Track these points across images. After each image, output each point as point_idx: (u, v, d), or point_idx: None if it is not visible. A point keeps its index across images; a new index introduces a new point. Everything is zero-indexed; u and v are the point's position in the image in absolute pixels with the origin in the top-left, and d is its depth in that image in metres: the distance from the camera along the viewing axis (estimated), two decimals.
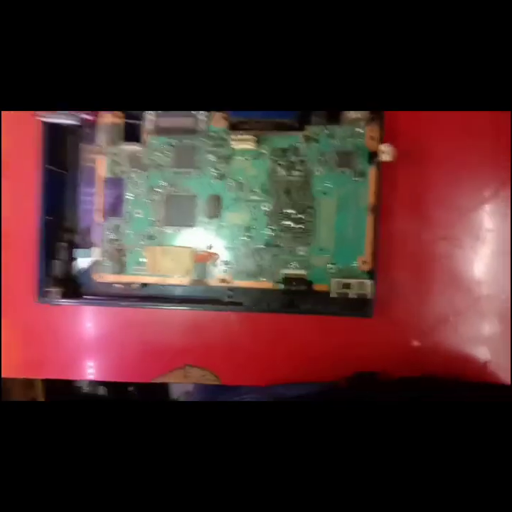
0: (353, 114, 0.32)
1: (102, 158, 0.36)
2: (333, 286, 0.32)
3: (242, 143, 0.33)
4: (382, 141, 0.33)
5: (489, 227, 0.37)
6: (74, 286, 0.38)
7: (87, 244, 0.38)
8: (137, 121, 0.36)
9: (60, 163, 0.38)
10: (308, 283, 0.33)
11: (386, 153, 0.30)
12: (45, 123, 0.36)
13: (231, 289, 0.36)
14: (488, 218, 0.37)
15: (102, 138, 0.36)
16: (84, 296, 0.38)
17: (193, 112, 0.35)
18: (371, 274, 0.33)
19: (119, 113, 0.36)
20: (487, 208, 0.37)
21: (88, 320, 0.40)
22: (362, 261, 0.33)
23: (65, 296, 0.36)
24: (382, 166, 0.33)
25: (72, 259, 0.38)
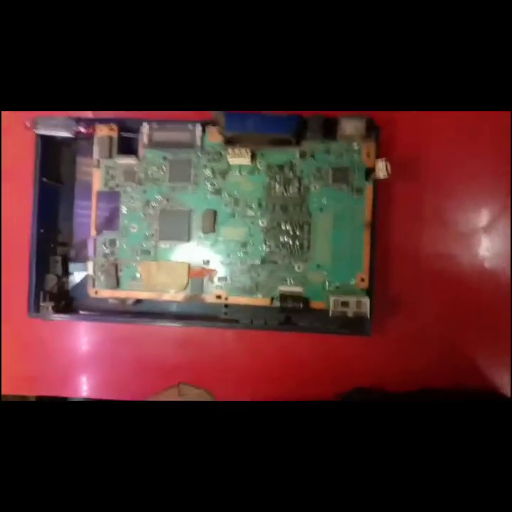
0: (348, 130, 0.32)
1: (98, 172, 0.36)
2: (331, 305, 0.31)
3: (238, 158, 0.33)
4: (378, 157, 0.33)
5: (488, 244, 0.37)
6: (68, 301, 0.38)
7: (82, 259, 0.37)
8: (133, 135, 0.36)
9: (56, 176, 0.38)
10: (306, 300, 0.33)
11: (383, 169, 0.30)
12: (39, 136, 0.36)
13: (227, 305, 0.35)
14: (486, 234, 0.37)
15: (97, 151, 0.35)
16: (79, 312, 0.37)
17: (189, 125, 0.34)
18: (369, 292, 0.33)
19: (114, 126, 0.35)
20: (485, 223, 0.37)
21: (82, 335, 0.39)
22: (360, 278, 0.33)
23: (58, 311, 0.36)
24: (378, 182, 0.33)
25: (66, 273, 0.38)
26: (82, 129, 0.36)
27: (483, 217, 0.37)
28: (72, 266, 0.38)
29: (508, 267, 0.36)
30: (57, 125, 0.36)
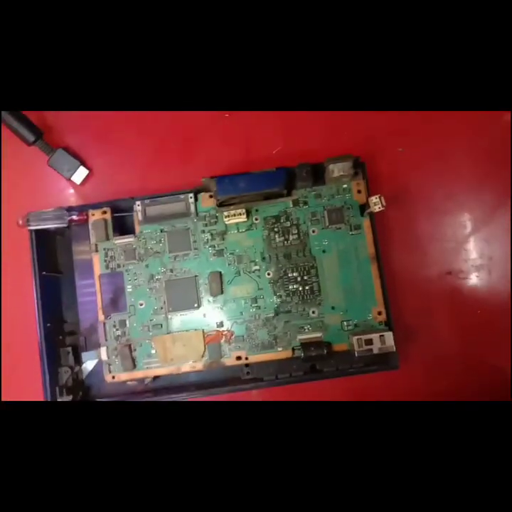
0: (336, 172, 0.33)
1: (97, 256, 0.36)
2: (356, 345, 0.31)
3: (234, 218, 0.34)
4: (369, 192, 0.34)
5: (489, 253, 0.37)
6: (84, 391, 0.36)
7: (92, 345, 0.36)
8: (126, 214, 0.36)
9: (54, 266, 0.38)
10: (328, 344, 0.32)
11: (378, 204, 0.31)
12: (33, 231, 0.36)
13: (248, 365, 0.34)
14: (485, 244, 0.37)
15: (93, 235, 0.36)
16: (96, 399, 0.36)
17: (180, 195, 0.35)
18: (388, 324, 0.33)
19: (107, 209, 0.36)
20: (483, 233, 0.38)
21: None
22: (376, 312, 0.33)
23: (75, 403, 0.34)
24: (374, 215, 0.34)
25: (79, 362, 0.36)
26: (75, 217, 0.36)
27: (480, 226, 0.38)
28: (84, 355, 0.36)
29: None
30: (49, 218, 0.36)
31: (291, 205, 0.35)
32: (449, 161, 0.38)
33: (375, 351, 0.30)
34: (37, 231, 0.36)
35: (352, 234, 0.34)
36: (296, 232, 0.34)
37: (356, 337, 0.31)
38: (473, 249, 0.37)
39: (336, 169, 0.32)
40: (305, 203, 0.35)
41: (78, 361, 0.36)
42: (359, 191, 0.34)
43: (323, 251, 0.34)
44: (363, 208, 0.34)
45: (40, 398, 0.34)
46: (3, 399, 0.38)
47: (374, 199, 0.31)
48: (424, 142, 0.38)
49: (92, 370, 0.37)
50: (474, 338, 0.36)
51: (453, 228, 0.38)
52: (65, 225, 0.36)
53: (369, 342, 0.30)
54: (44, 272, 0.36)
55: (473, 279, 0.37)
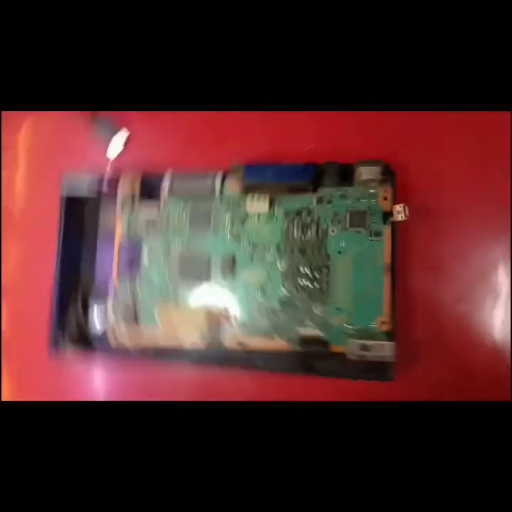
0: (364, 175, 0.33)
1: (120, 222, 0.37)
2: (352, 348, 0.31)
3: (257, 205, 0.34)
4: (395, 201, 0.33)
5: (509, 285, 0.36)
6: (88, 345, 0.38)
7: (103, 307, 0.38)
8: (154, 187, 0.38)
9: (80, 231, 0.39)
10: (325, 343, 0.33)
11: (401, 213, 0.30)
12: (64, 197, 0.38)
13: (246, 350, 0.35)
14: (507, 275, 0.36)
15: (119, 203, 0.37)
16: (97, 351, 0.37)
17: (208, 176, 0.36)
18: (390, 335, 0.32)
19: (137, 178, 0.37)
20: (507, 265, 0.36)
21: (100, 381, 0.39)
22: (381, 321, 0.33)
23: (78, 354, 0.36)
24: (397, 225, 0.33)
25: (87, 320, 0.38)
26: (106, 186, 0.37)
27: (505, 256, 0.36)
28: (93, 312, 0.38)
29: None
30: (82, 187, 0.38)
31: (315, 202, 0.35)
32: (493, 187, 0.37)
33: (372, 358, 0.30)
34: (68, 197, 0.38)
35: (371, 240, 0.34)
36: (315, 229, 0.35)
37: (355, 341, 0.31)
38: (494, 279, 0.36)
39: (365, 172, 0.32)
40: (329, 202, 0.35)
41: (86, 318, 0.38)
42: (385, 198, 0.34)
43: (339, 252, 0.34)
44: (387, 215, 0.33)
45: (44, 341, 0.36)
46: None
47: (398, 207, 0.30)
48: (468, 162, 0.37)
49: (98, 330, 0.38)
50: (473, 374, 0.35)
51: (480, 256, 0.36)
52: (95, 195, 0.38)
53: (366, 348, 0.30)
54: (68, 237, 0.38)
55: (488, 313, 0.36)
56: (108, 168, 0.41)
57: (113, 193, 0.37)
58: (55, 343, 0.37)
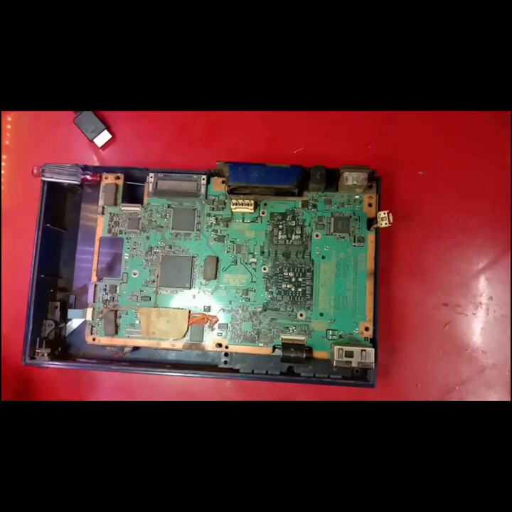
0: (350, 181, 0.33)
1: (102, 218, 0.36)
2: (336, 355, 0.30)
3: (242, 207, 0.34)
4: (380, 208, 0.33)
5: (490, 293, 0.37)
6: (64, 348, 0.37)
7: (81, 305, 0.37)
8: (137, 183, 0.37)
9: (60, 221, 0.38)
10: (308, 349, 0.32)
11: (385, 219, 0.30)
12: (46, 182, 0.36)
13: (227, 354, 0.34)
14: (488, 283, 0.37)
15: (103, 198, 0.36)
16: (76, 359, 0.36)
17: (193, 175, 0.35)
18: (373, 342, 0.32)
19: (120, 174, 0.36)
20: (488, 272, 0.37)
21: (78, 383, 0.38)
22: (364, 327, 0.33)
23: (54, 358, 0.35)
24: (380, 231, 0.33)
25: (64, 319, 0.37)
26: (89, 177, 0.36)
27: (487, 264, 0.37)
28: (70, 312, 0.37)
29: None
30: (64, 172, 0.37)
31: (300, 206, 0.34)
32: (470, 196, 0.37)
33: (354, 365, 0.30)
34: (50, 183, 0.36)
35: (355, 245, 0.34)
36: (299, 232, 0.34)
37: (338, 347, 0.31)
38: (475, 286, 0.37)
39: (351, 177, 0.32)
40: (314, 206, 0.34)
41: (64, 318, 0.37)
42: (370, 205, 0.34)
43: (323, 257, 0.34)
44: (371, 222, 0.34)
45: (20, 348, 0.35)
46: None
47: (382, 214, 0.30)
48: (447, 172, 0.38)
49: (75, 330, 0.37)
50: (458, 378, 0.36)
51: (460, 261, 0.37)
52: (77, 183, 0.36)
53: (350, 354, 0.30)
54: (49, 224, 0.36)
55: (470, 316, 0.36)
56: (91, 161, 0.40)
57: (96, 183, 0.36)
58: (31, 348, 0.35)
